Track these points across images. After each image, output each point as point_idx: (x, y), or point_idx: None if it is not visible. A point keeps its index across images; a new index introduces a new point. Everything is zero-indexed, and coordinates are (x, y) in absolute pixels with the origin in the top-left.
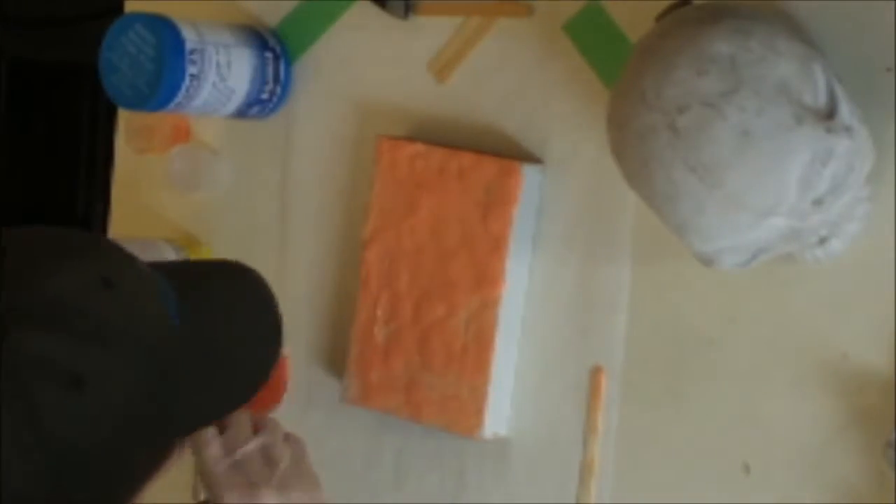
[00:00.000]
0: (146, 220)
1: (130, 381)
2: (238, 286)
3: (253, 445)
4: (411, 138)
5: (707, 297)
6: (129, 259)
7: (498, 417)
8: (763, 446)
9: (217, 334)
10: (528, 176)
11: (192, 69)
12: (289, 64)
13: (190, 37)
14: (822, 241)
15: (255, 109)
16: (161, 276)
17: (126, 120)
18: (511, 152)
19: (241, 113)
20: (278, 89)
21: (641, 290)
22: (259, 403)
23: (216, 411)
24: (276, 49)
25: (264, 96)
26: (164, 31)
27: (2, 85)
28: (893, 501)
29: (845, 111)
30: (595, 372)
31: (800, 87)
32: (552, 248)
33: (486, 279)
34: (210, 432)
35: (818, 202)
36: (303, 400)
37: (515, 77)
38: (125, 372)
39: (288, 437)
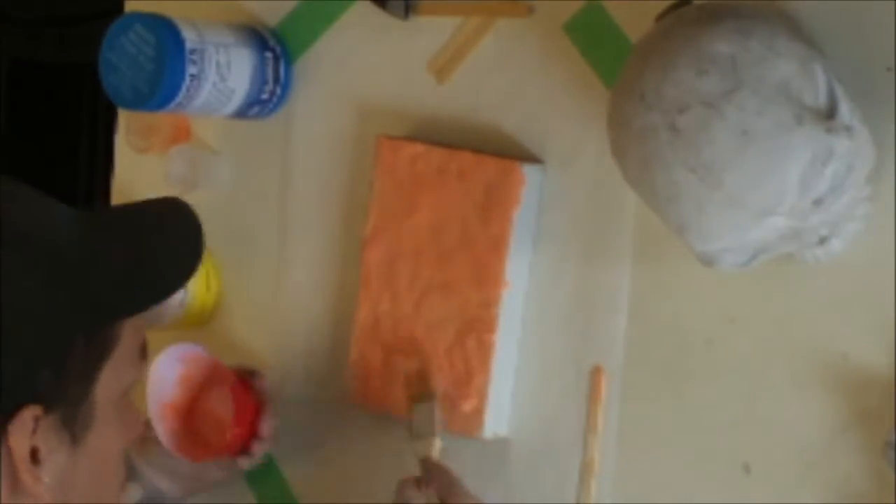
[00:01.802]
0: None
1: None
2: (154, 203)
3: None
4: (411, 138)
5: (707, 297)
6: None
7: (498, 417)
8: (763, 446)
9: (119, 234)
10: (528, 176)
11: (192, 69)
12: (289, 64)
13: (190, 37)
14: (822, 240)
15: (255, 109)
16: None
17: (126, 120)
18: (511, 152)
19: (241, 113)
20: (278, 89)
21: (641, 290)
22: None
23: (133, 303)
24: (276, 49)
25: (264, 96)
26: (164, 31)
27: (2, 85)
28: (893, 501)
29: (845, 111)
30: (595, 372)
31: (800, 87)
32: (552, 248)
33: (486, 279)
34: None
35: (818, 202)
36: (303, 400)
37: (515, 77)
38: (24, 269)
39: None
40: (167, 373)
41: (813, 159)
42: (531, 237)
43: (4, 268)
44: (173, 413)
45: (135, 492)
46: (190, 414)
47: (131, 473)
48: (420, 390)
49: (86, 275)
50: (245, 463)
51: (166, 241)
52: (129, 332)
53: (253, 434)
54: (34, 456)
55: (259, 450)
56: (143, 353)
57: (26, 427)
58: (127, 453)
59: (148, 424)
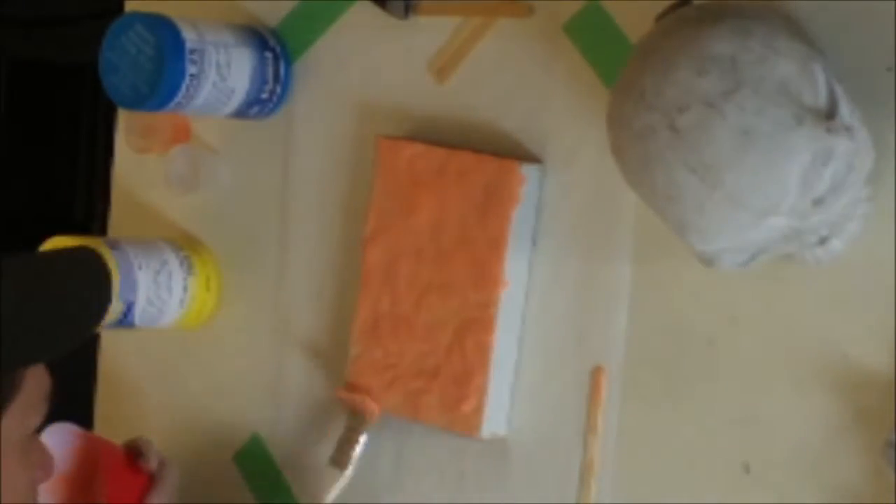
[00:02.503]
0: (146, 220)
1: None
2: (66, 253)
3: None
4: (411, 138)
5: (707, 297)
6: None
7: (497, 417)
8: (763, 446)
9: (26, 282)
10: (528, 176)
11: (192, 69)
12: (289, 64)
13: (190, 37)
14: (823, 240)
15: (255, 109)
16: None
17: (126, 120)
18: (511, 152)
19: (241, 113)
20: (278, 89)
21: (641, 290)
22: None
23: (33, 354)
24: (276, 49)
25: (264, 96)
26: (164, 31)
27: (2, 85)
28: (893, 501)
29: (845, 111)
30: (595, 372)
31: (800, 87)
32: (552, 248)
33: (485, 279)
34: None
35: (818, 202)
36: (303, 400)
37: (515, 77)
38: None
39: None
40: (58, 447)
41: (813, 159)
42: (530, 237)
43: None
44: (65, 486)
45: None
46: (82, 491)
47: None
48: (358, 420)
49: None
50: None
51: (71, 292)
52: (33, 378)
53: None
54: None
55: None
56: (50, 396)
57: None
58: None
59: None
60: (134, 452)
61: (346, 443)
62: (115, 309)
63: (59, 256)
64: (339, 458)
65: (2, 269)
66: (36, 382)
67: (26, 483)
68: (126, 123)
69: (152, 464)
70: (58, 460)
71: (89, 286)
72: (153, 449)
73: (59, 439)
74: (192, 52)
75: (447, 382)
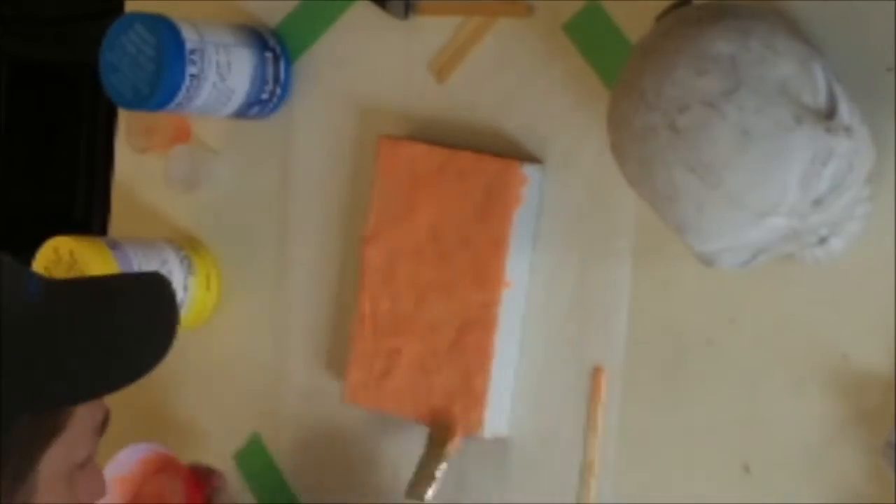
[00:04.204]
0: (146, 220)
1: None
2: (137, 284)
3: None
4: (411, 138)
5: (707, 297)
6: None
7: (498, 417)
8: (763, 446)
9: (84, 317)
10: (529, 176)
11: (192, 69)
12: (289, 64)
13: (190, 37)
14: (822, 240)
15: (255, 109)
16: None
17: (126, 120)
18: (511, 152)
19: (241, 113)
20: (278, 89)
21: (641, 290)
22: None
23: (84, 391)
24: (276, 49)
25: (264, 96)
26: (164, 31)
27: (2, 85)
28: (893, 501)
29: (845, 111)
30: (595, 372)
31: (800, 86)
32: (552, 248)
33: (486, 279)
34: None
35: (818, 202)
36: (303, 400)
37: (515, 77)
38: None
39: None
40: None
41: (813, 159)
42: (531, 237)
43: None
44: (123, 488)
45: None
46: (137, 497)
47: None
48: (439, 450)
49: (37, 355)
50: None
51: (135, 324)
52: (84, 411)
53: None
54: None
55: None
56: (103, 428)
57: None
58: None
59: None
60: (203, 471)
61: (427, 473)
62: None
63: (122, 281)
64: (418, 489)
65: (55, 291)
66: (87, 416)
67: None
68: (126, 123)
69: (222, 483)
70: (129, 464)
71: (154, 316)
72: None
73: (133, 456)
74: (192, 52)
75: (448, 382)
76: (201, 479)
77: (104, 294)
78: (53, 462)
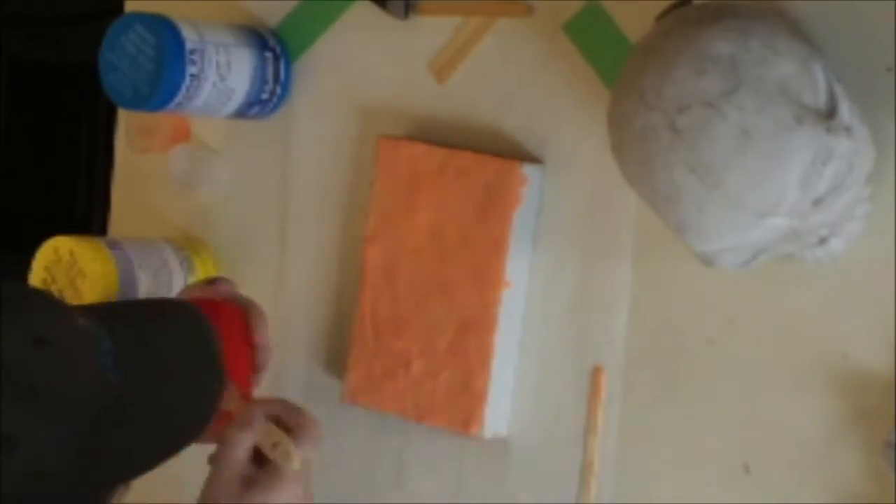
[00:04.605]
0: (146, 220)
1: (63, 439)
2: (177, 328)
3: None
4: (411, 138)
5: (707, 297)
6: (63, 312)
7: (498, 417)
8: (763, 446)
9: (155, 384)
10: (529, 176)
11: (192, 69)
12: (289, 64)
13: (190, 37)
14: (823, 240)
15: (255, 109)
16: (99, 327)
17: (126, 120)
18: (511, 152)
19: (241, 113)
20: (278, 89)
21: (641, 290)
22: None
23: (156, 459)
24: (276, 49)
25: (264, 96)
26: (164, 31)
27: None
28: (893, 501)
29: (845, 111)
30: (595, 372)
31: (800, 87)
32: (552, 248)
33: (485, 279)
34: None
35: (818, 202)
36: (302, 400)
37: (515, 77)
38: (58, 430)
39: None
40: None
41: (813, 159)
42: (531, 237)
43: (37, 432)
44: None
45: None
46: None
47: None
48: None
49: (122, 433)
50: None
51: (193, 381)
52: None
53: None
54: None
55: (264, 363)
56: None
57: None
58: None
59: None
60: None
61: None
62: None
63: (177, 335)
64: None
65: (128, 368)
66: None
67: None
68: (126, 123)
69: (227, 286)
70: None
71: (205, 373)
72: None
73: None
74: (192, 52)
75: (448, 382)
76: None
77: (163, 353)
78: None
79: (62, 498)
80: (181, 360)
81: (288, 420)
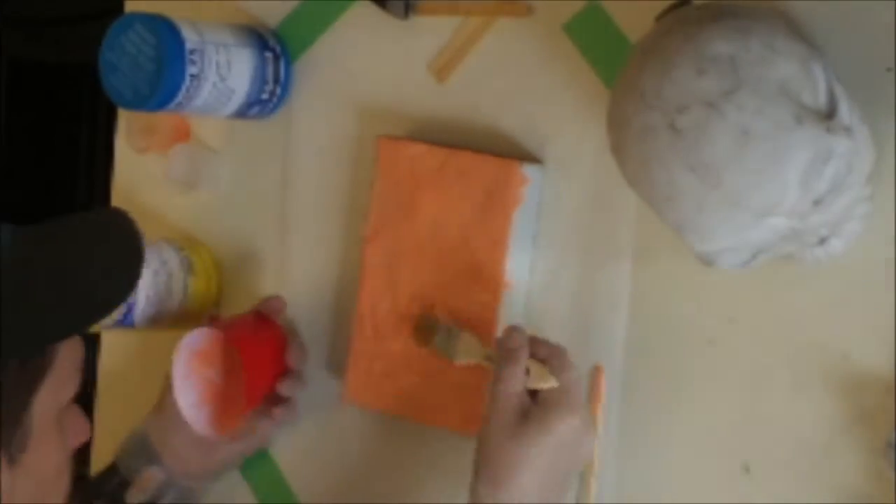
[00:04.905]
0: (146, 220)
1: None
2: (96, 221)
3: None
4: (411, 138)
5: (707, 297)
6: None
7: None
8: (763, 446)
9: (53, 260)
10: (529, 176)
11: (192, 69)
12: (289, 64)
13: (190, 37)
14: (823, 240)
15: (255, 109)
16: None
17: (126, 120)
18: (511, 152)
19: (241, 113)
20: (278, 89)
21: (641, 290)
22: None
23: (68, 325)
24: (276, 49)
25: (264, 96)
26: (164, 31)
27: (2, 85)
28: (893, 502)
29: (845, 111)
30: (595, 372)
31: (800, 86)
32: (552, 248)
33: (487, 279)
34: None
35: (818, 202)
36: (303, 400)
37: (515, 77)
38: None
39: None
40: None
41: (813, 159)
42: (531, 237)
43: None
44: (201, 363)
45: (157, 475)
46: (210, 389)
47: (152, 457)
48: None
49: (17, 298)
50: (280, 414)
51: (104, 258)
52: (66, 349)
53: (278, 377)
54: None
55: (290, 388)
56: (82, 367)
57: None
58: (146, 438)
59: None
60: (264, 314)
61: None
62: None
63: (85, 221)
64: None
65: (37, 237)
66: (69, 354)
67: (61, 454)
68: (126, 123)
69: (278, 304)
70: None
71: (120, 251)
72: (284, 309)
73: (192, 346)
74: (192, 52)
75: (448, 382)
76: (262, 320)
77: (69, 233)
78: (44, 403)
79: None
80: (85, 236)
81: (538, 353)
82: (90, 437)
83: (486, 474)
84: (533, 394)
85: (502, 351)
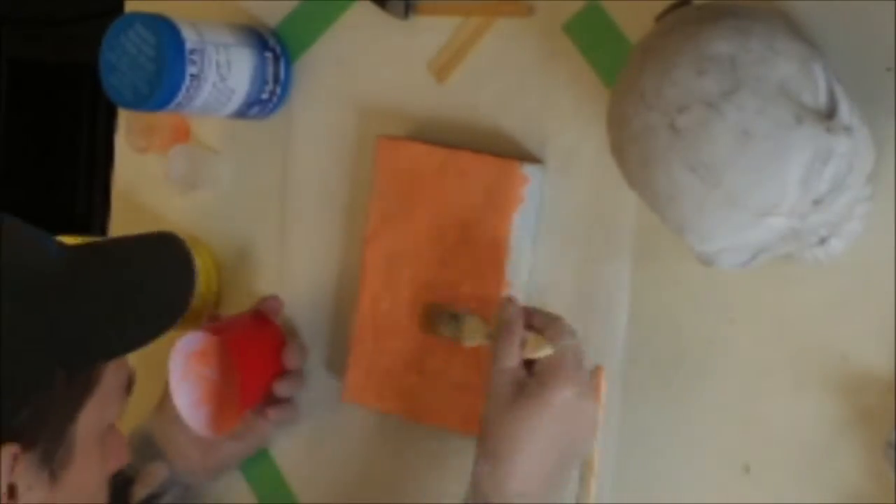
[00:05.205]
0: (146, 220)
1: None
2: (146, 239)
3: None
4: (411, 138)
5: (707, 297)
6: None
7: None
8: (763, 446)
9: (102, 272)
10: (529, 176)
11: (192, 69)
12: (289, 64)
13: (190, 37)
14: (823, 240)
15: (255, 109)
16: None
17: (126, 120)
18: (511, 152)
19: (241, 113)
20: (278, 89)
21: (641, 290)
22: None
23: (123, 344)
24: (276, 49)
25: (264, 96)
26: (164, 31)
27: (2, 85)
28: (893, 501)
29: (845, 111)
30: (595, 372)
31: (800, 86)
32: (552, 247)
33: (487, 279)
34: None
35: (818, 202)
36: (303, 400)
37: (515, 77)
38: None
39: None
40: (185, 346)
41: (813, 159)
42: (531, 237)
43: None
44: (199, 363)
45: (161, 471)
46: (208, 388)
47: (156, 454)
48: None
49: (70, 312)
50: (275, 414)
51: (156, 279)
52: (113, 369)
53: (275, 377)
54: (11, 493)
55: (287, 388)
56: (129, 388)
57: (5, 465)
58: (150, 435)
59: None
60: (262, 314)
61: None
62: None
63: (138, 243)
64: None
65: (91, 254)
66: (115, 374)
67: (100, 475)
68: (126, 123)
69: (276, 304)
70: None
71: (172, 273)
72: (282, 309)
73: (187, 349)
74: (192, 52)
75: (448, 382)
76: (260, 319)
77: (121, 253)
78: (89, 420)
79: (15, 368)
80: (138, 257)
81: (534, 323)
82: (126, 462)
83: (485, 450)
84: (530, 365)
85: (498, 323)
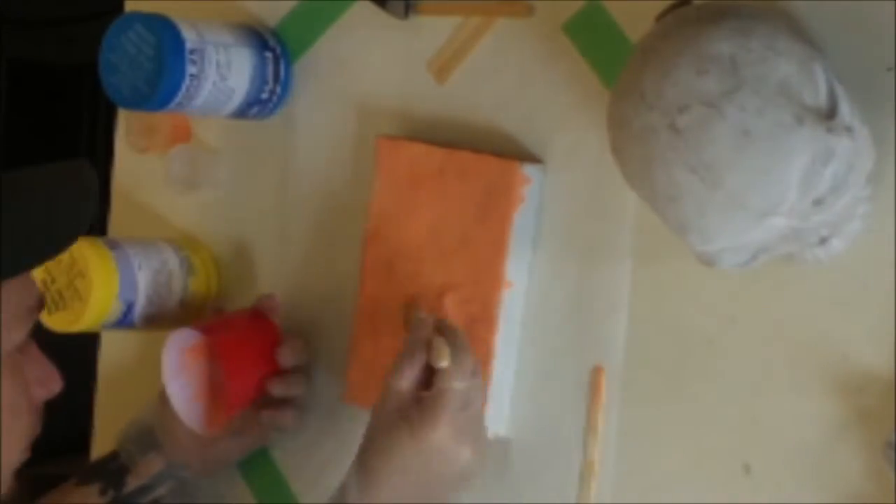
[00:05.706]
0: (146, 220)
1: None
2: (51, 167)
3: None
4: (411, 138)
5: (707, 297)
6: None
7: (498, 417)
8: (763, 446)
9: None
10: (529, 176)
11: (192, 69)
12: (289, 64)
13: (190, 37)
14: (823, 240)
15: (255, 109)
16: None
17: (126, 120)
18: (511, 152)
19: (241, 113)
20: (278, 89)
21: (641, 290)
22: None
23: (12, 263)
24: (276, 49)
25: (264, 96)
26: (164, 31)
27: (2, 85)
28: (893, 501)
29: (846, 111)
30: (595, 372)
31: (800, 87)
32: (552, 248)
33: (487, 279)
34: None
35: (819, 202)
36: (303, 399)
37: (515, 77)
38: None
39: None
40: (179, 344)
41: (813, 159)
42: (531, 237)
43: None
44: (194, 358)
45: (155, 463)
46: (206, 385)
47: (154, 444)
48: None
49: None
50: (269, 416)
51: (55, 200)
52: (13, 290)
53: (269, 376)
54: None
55: (281, 388)
56: (39, 307)
57: None
58: (150, 425)
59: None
60: (259, 312)
61: None
62: (115, 309)
63: (40, 170)
64: None
65: None
66: (17, 293)
67: (22, 402)
68: (126, 123)
69: (274, 302)
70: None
71: (67, 197)
72: (279, 307)
73: (179, 345)
74: (192, 52)
75: None
76: (257, 317)
77: (18, 179)
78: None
79: None
80: (35, 182)
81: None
82: (61, 390)
83: (361, 459)
84: (431, 375)
85: (406, 340)
